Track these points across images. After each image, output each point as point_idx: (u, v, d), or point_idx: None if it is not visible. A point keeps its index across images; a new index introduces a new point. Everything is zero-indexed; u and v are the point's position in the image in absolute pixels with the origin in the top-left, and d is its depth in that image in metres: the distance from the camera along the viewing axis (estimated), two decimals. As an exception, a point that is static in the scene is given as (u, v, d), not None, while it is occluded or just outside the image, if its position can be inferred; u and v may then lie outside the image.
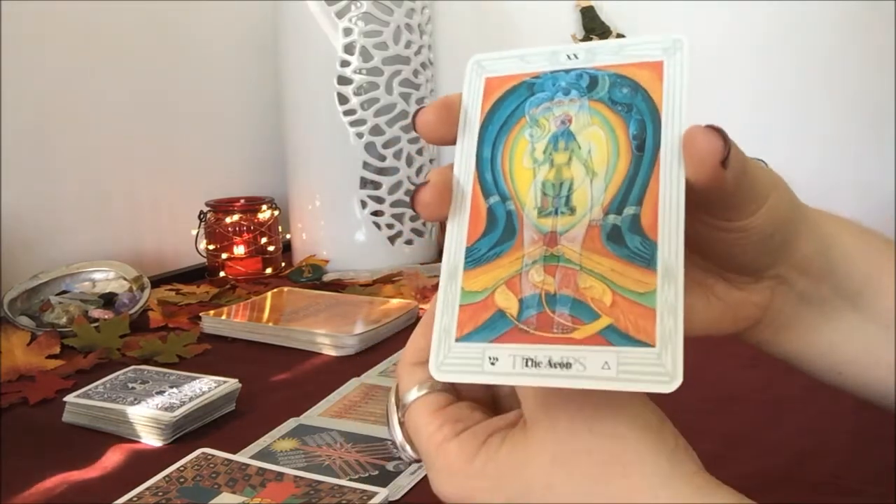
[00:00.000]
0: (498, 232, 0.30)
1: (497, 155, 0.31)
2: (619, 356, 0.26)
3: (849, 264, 0.36)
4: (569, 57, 0.31)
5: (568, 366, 0.26)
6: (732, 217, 0.31)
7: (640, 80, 0.30)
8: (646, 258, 0.27)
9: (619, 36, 1.39)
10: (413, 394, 0.32)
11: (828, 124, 1.35)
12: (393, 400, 0.33)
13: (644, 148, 0.29)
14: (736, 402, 0.70)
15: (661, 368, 0.25)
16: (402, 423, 0.32)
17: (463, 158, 0.31)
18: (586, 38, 1.40)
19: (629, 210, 0.28)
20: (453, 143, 0.32)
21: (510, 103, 0.31)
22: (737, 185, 0.29)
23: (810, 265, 0.35)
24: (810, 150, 1.36)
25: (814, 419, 0.66)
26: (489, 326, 0.28)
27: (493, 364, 0.28)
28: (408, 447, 0.32)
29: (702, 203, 0.30)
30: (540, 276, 0.28)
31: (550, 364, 0.27)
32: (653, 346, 0.26)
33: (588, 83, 0.30)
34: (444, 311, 0.29)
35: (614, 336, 0.26)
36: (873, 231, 0.38)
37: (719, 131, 0.27)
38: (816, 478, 0.57)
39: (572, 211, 0.29)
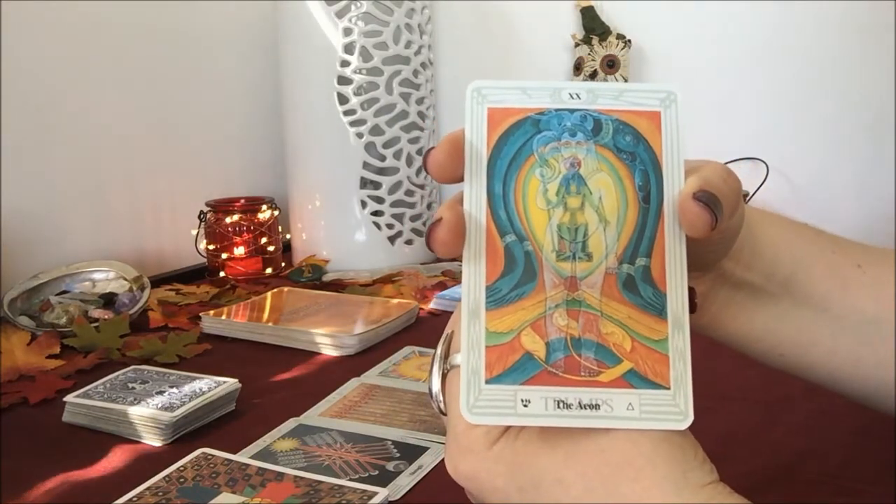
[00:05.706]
0: (518, 273, 0.30)
1: (509, 192, 0.31)
2: (641, 398, 0.29)
3: (775, 250, 0.37)
4: (571, 96, 0.32)
5: (597, 407, 0.29)
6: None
7: (640, 129, 0.31)
8: (657, 308, 0.30)
9: (620, 37, 1.39)
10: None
11: (828, 125, 1.35)
12: (440, 351, 0.33)
13: (649, 200, 0.31)
14: (736, 402, 0.70)
15: (676, 408, 0.29)
16: (444, 376, 0.33)
17: (474, 192, 0.31)
18: (586, 38, 1.40)
19: (641, 261, 0.30)
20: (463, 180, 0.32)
21: (517, 139, 0.32)
22: (729, 223, 0.31)
23: (741, 252, 0.36)
24: (810, 150, 1.36)
25: (813, 419, 0.66)
26: (518, 369, 0.29)
27: (525, 406, 0.29)
28: (441, 399, 0.33)
29: None
30: (564, 320, 0.30)
31: (581, 406, 0.29)
32: (668, 388, 0.29)
33: (593, 126, 0.31)
34: (471, 351, 0.30)
35: (636, 379, 0.29)
36: (800, 222, 0.39)
37: (708, 205, 0.29)
38: (816, 477, 0.57)
39: (589, 257, 0.30)
